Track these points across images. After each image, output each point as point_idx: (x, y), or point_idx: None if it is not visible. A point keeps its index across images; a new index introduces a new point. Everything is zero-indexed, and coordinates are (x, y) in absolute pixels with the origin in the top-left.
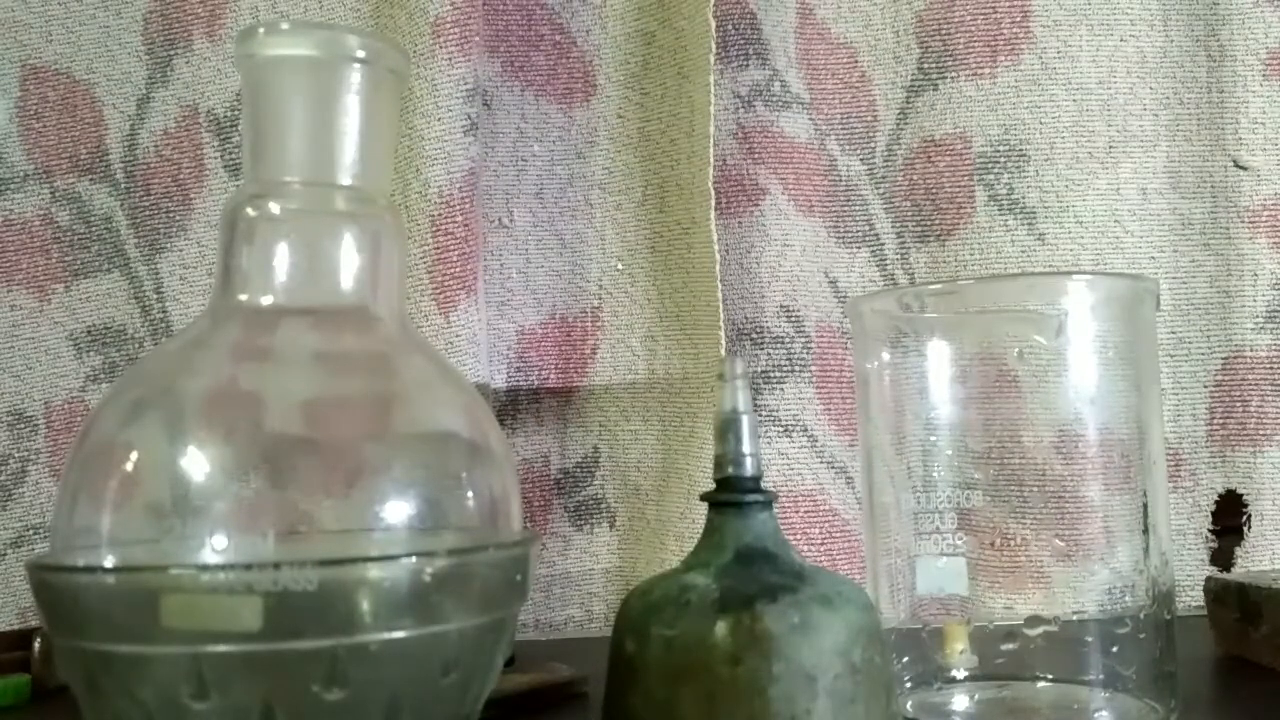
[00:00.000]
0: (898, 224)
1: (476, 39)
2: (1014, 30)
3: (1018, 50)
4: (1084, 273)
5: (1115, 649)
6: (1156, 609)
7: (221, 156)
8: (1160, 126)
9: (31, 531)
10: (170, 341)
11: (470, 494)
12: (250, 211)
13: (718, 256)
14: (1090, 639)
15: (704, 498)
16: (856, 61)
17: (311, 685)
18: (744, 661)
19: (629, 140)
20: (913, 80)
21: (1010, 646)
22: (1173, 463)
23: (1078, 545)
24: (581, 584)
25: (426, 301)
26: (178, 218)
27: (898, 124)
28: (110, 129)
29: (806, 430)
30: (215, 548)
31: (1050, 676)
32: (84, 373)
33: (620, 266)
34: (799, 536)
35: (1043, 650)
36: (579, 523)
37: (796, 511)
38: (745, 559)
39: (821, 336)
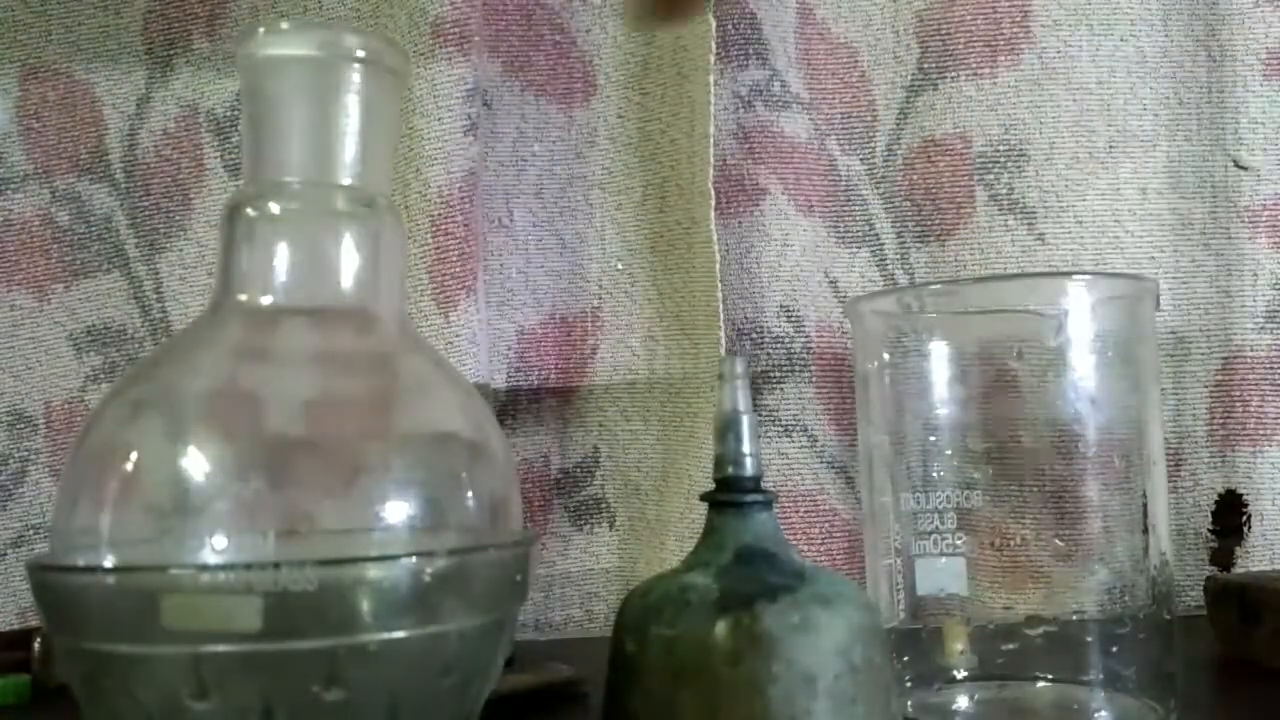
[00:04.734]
0: (898, 224)
1: (476, 39)
2: (1014, 30)
3: (1018, 50)
4: (1084, 273)
5: (1115, 649)
6: (1156, 609)
7: (221, 156)
8: (1160, 126)
9: (31, 531)
10: (170, 341)
11: (470, 494)
12: (250, 211)
13: (718, 256)
14: (1090, 639)
15: (704, 498)
16: (856, 61)
17: (311, 685)
18: (744, 661)
19: (629, 140)
20: (913, 80)
21: (1010, 646)
22: (1173, 463)
23: (1078, 545)
24: (581, 584)
25: (426, 301)
26: (178, 218)
27: (898, 124)
28: (110, 129)
29: (806, 430)
30: (215, 548)
31: (1050, 676)
32: (84, 373)
33: (620, 266)
34: (799, 536)
35: (1043, 650)
36: (579, 523)
37: (796, 511)
38: (745, 559)
39: (821, 336)
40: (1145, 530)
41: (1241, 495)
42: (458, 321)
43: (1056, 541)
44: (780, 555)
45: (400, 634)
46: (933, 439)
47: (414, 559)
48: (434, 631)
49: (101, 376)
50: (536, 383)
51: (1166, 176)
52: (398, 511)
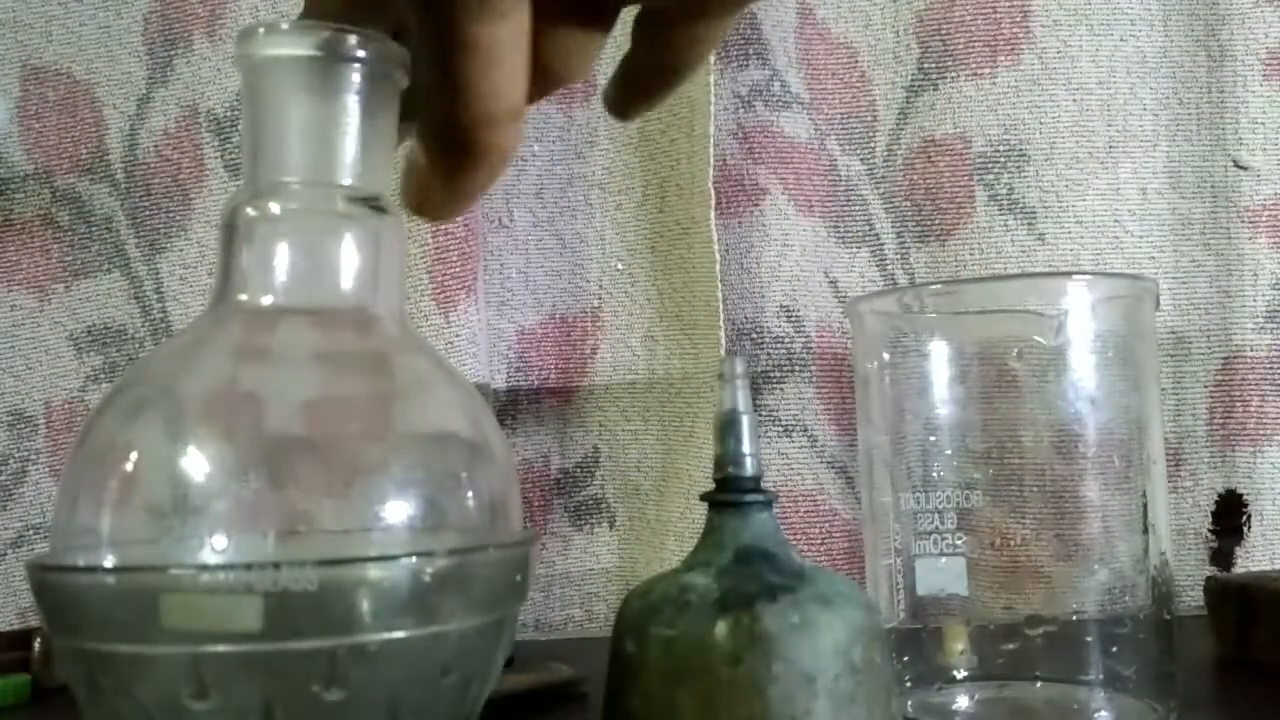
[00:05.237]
0: (898, 224)
1: None
2: (1014, 30)
3: (1018, 50)
4: (1084, 273)
5: (1115, 649)
6: (1156, 609)
7: (221, 156)
8: (1160, 126)
9: (31, 531)
10: (170, 341)
11: (470, 494)
12: (250, 212)
13: (718, 256)
14: (1090, 639)
15: (704, 498)
16: (856, 61)
17: (311, 685)
18: (744, 661)
19: (629, 140)
20: (913, 80)
21: (1010, 646)
22: (1173, 463)
23: (1078, 545)
24: (581, 584)
25: (426, 301)
26: (178, 218)
27: (898, 124)
28: (110, 129)
29: (806, 430)
30: (215, 548)
31: (1050, 676)
32: (84, 373)
33: (620, 266)
34: (799, 536)
35: (1043, 650)
36: (579, 523)
37: (796, 511)
38: (745, 559)
39: (821, 336)
40: (1145, 530)
41: (1241, 495)
42: (458, 321)
43: (1056, 541)
44: (780, 555)
45: (400, 634)
46: (933, 439)
47: (414, 559)
48: (434, 631)
49: (101, 376)
50: (536, 383)
51: (1166, 176)
52: (397, 511)
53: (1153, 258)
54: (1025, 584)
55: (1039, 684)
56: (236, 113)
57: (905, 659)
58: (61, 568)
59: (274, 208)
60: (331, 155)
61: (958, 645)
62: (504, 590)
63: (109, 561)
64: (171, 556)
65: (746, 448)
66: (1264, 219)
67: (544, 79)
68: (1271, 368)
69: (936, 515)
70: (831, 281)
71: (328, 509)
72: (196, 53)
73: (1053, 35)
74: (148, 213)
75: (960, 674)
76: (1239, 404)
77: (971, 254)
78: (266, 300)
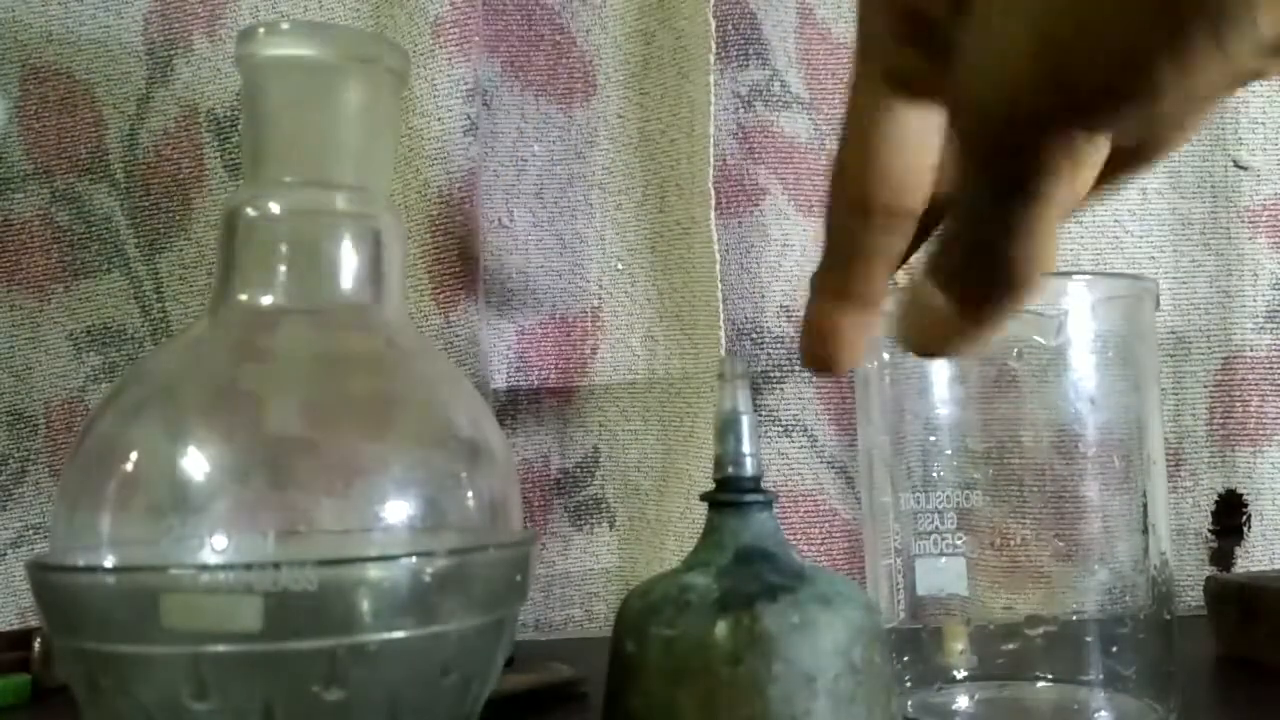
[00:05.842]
0: None
1: (476, 39)
2: None
3: None
4: (1084, 273)
5: (1115, 649)
6: (1156, 609)
7: (221, 156)
8: None
9: (31, 531)
10: (170, 341)
11: (470, 494)
12: (250, 211)
13: (718, 256)
14: (1090, 639)
15: (704, 498)
16: None
17: (311, 685)
18: (744, 661)
19: (629, 140)
20: None
21: (1010, 646)
22: (1173, 463)
23: (1078, 545)
24: (581, 584)
25: (426, 301)
26: (178, 218)
27: None
28: (110, 129)
29: (806, 430)
30: (215, 548)
31: (1050, 676)
32: (84, 373)
33: (620, 266)
34: (799, 536)
35: (1043, 650)
36: (579, 523)
37: (796, 511)
38: (745, 559)
39: None
40: (1145, 530)
41: (1241, 495)
42: (458, 321)
43: (1056, 541)
44: (780, 555)
45: (400, 634)
46: (933, 439)
47: (414, 559)
48: (434, 631)
49: (101, 376)
50: (536, 383)
51: (1166, 176)
52: (397, 511)
53: (1153, 258)
54: (1025, 584)
55: (1039, 684)
56: (236, 113)
57: (905, 659)
58: (61, 568)
59: (274, 208)
60: (331, 155)
61: (958, 645)
62: (504, 590)
63: (109, 561)
64: (171, 556)
65: (746, 448)
66: (1264, 219)
67: None
68: (1271, 368)
69: (936, 515)
70: None
71: (328, 509)
72: (196, 53)
73: None
74: (147, 213)
75: (960, 674)
76: (1239, 404)
77: None
78: (266, 300)
